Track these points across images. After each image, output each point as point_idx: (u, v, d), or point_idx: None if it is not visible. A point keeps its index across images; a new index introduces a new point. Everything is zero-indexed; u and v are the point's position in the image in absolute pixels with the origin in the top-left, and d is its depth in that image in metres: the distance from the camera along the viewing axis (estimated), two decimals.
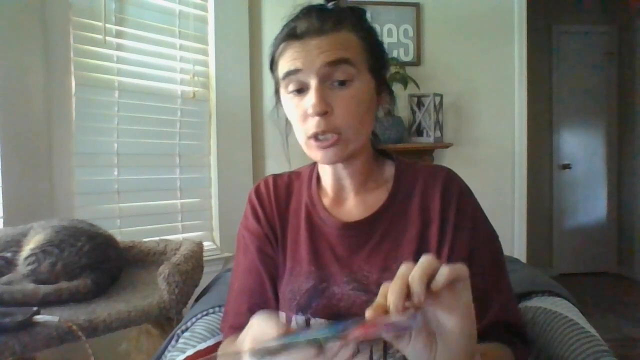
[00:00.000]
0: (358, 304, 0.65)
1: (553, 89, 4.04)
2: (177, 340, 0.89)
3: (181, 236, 1.86)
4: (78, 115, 1.56)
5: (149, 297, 1.05)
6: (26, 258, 1.04)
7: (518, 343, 0.64)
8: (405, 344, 0.46)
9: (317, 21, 0.64)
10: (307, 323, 0.68)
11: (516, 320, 0.66)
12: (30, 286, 1.00)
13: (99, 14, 1.62)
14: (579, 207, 4.10)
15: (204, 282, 1.20)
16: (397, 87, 2.23)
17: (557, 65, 4.03)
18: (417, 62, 2.42)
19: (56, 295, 0.99)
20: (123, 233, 1.64)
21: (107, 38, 1.65)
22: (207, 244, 1.88)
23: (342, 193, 0.74)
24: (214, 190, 2.02)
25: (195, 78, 1.94)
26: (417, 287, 0.42)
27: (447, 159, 2.42)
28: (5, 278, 1.03)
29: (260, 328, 0.46)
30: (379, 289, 0.66)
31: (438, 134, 2.32)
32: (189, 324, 0.93)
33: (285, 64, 0.65)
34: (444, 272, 0.43)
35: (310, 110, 0.63)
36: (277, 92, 0.71)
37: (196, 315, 0.94)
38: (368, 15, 0.72)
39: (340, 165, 0.71)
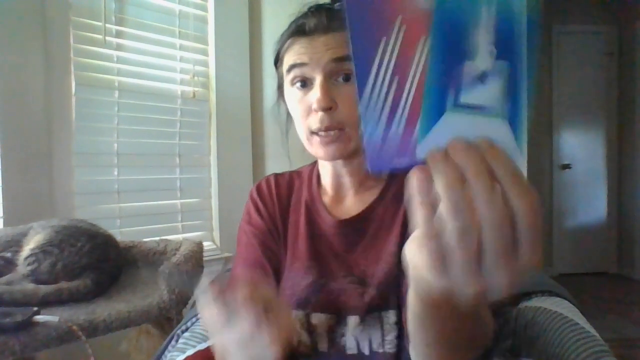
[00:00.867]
0: (355, 297, 0.66)
1: (553, 89, 4.05)
2: (177, 340, 0.89)
3: (181, 236, 1.86)
4: (78, 115, 1.56)
5: (149, 297, 1.05)
6: (26, 258, 1.04)
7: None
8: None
9: (326, 19, 0.66)
10: (307, 318, 0.68)
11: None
12: (30, 286, 1.00)
13: (99, 14, 1.62)
14: (579, 207, 4.10)
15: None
16: None
17: (557, 65, 4.03)
18: None
19: (56, 295, 0.99)
20: (123, 233, 1.64)
21: (107, 38, 1.65)
22: (207, 244, 1.88)
23: (342, 191, 0.74)
24: (214, 190, 2.02)
25: (195, 78, 1.94)
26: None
27: None
28: (5, 278, 1.03)
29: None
30: (376, 282, 0.66)
31: None
32: (189, 324, 0.92)
33: (291, 58, 0.67)
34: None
35: (315, 105, 0.64)
36: (279, 87, 0.72)
37: (196, 315, 0.94)
38: None
39: (340, 163, 0.71)
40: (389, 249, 0.67)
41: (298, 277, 0.70)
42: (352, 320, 0.66)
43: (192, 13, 1.94)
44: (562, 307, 0.86)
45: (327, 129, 0.64)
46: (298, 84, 0.66)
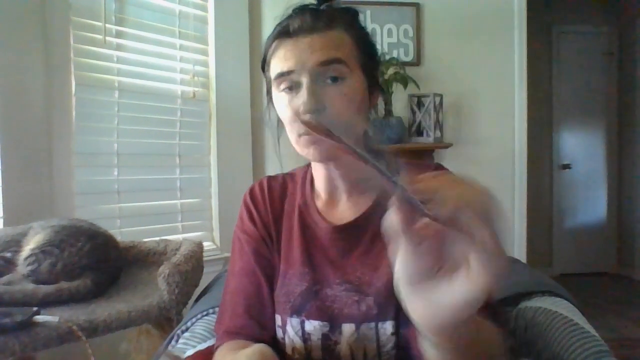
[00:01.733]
0: (351, 305, 0.66)
1: (553, 89, 4.04)
2: (177, 341, 0.89)
3: (181, 236, 1.86)
4: (78, 115, 1.56)
5: (149, 298, 1.05)
6: (26, 258, 1.04)
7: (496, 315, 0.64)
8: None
9: (310, 19, 0.64)
10: (302, 325, 0.68)
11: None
12: (30, 286, 1.00)
13: (99, 14, 1.62)
14: (579, 207, 4.10)
15: (204, 282, 1.20)
16: (397, 87, 2.23)
17: (557, 65, 4.03)
18: (417, 62, 2.42)
19: (56, 295, 0.99)
20: (123, 233, 1.64)
21: (107, 38, 1.65)
22: (207, 244, 1.88)
23: (335, 194, 0.73)
24: (214, 190, 2.02)
25: (195, 78, 1.94)
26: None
27: (447, 159, 2.42)
28: (5, 278, 1.03)
29: None
30: (374, 291, 0.65)
31: (438, 134, 2.32)
32: (189, 324, 0.93)
33: (277, 65, 0.65)
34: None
35: (302, 108, 0.63)
36: (268, 92, 0.71)
37: (196, 315, 0.94)
38: (364, 16, 0.73)
39: (332, 165, 0.70)
40: (387, 259, 0.66)
41: (292, 283, 0.69)
42: (347, 328, 0.65)
43: (192, 13, 1.94)
44: (562, 307, 0.86)
45: None
46: (286, 89, 0.65)
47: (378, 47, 0.74)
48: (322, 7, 0.67)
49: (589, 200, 4.10)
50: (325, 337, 0.66)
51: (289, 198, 0.76)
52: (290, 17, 0.67)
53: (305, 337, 0.67)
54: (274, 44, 0.67)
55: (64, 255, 1.04)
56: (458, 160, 2.41)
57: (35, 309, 0.88)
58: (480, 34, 2.48)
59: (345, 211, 0.72)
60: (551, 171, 4.08)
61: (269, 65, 0.68)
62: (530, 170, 2.60)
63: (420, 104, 2.32)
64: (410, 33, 2.40)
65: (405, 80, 2.22)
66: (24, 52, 1.42)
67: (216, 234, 2.02)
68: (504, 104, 2.52)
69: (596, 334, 0.76)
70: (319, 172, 0.73)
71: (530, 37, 2.57)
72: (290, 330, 0.68)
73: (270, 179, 0.79)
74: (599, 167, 4.11)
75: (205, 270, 1.26)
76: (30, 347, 0.82)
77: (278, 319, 0.70)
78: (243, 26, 2.11)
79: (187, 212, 1.92)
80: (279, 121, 0.71)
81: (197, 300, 1.08)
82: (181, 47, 1.90)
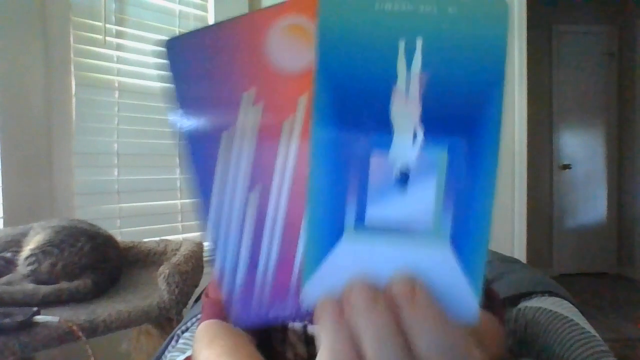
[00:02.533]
0: None
1: (553, 89, 4.04)
2: (177, 341, 0.89)
3: (181, 236, 1.86)
4: (78, 115, 1.56)
5: (149, 298, 1.05)
6: (26, 258, 1.04)
7: (496, 307, 0.64)
8: None
9: None
10: (304, 329, 0.67)
11: (487, 287, 0.67)
12: (30, 286, 1.00)
13: (99, 14, 1.62)
14: (579, 207, 4.10)
15: (204, 282, 1.20)
16: None
17: (557, 65, 4.03)
18: None
19: (56, 295, 0.99)
20: (123, 233, 1.64)
21: (107, 38, 1.64)
22: (207, 244, 1.88)
23: None
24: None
25: None
26: None
27: None
28: (5, 278, 1.03)
29: None
30: None
31: None
32: (189, 324, 0.92)
33: None
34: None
35: None
36: None
37: (196, 315, 0.94)
38: None
39: None
40: None
41: None
42: None
43: (192, 13, 1.94)
44: (562, 307, 0.86)
45: None
46: None
47: None
48: None
49: (589, 200, 4.10)
50: None
51: None
52: None
53: (308, 341, 0.67)
54: None
55: (64, 255, 1.04)
56: None
57: (35, 309, 0.88)
58: None
59: None
60: (551, 171, 4.08)
61: None
62: (530, 170, 2.59)
63: None
64: None
65: None
66: (24, 52, 1.42)
67: None
68: (503, 103, 2.51)
69: (596, 334, 0.76)
70: None
71: (530, 37, 2.57)
72: (292, 335, 0.68)
73: None
74: (599, 167, 4.11)
75: (205, 270, 1.26)
76: (30, 347, 0.82)
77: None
78: None
79: (187, 212, 1.92)
80: None
81: (197, 300, 1.08)
82: None
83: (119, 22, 1.70)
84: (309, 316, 0.22)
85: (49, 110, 1.48)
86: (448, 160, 0.20)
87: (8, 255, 1.07)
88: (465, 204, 0.20)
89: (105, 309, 0.96)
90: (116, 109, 1.69)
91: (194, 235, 1.93)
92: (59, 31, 1.50)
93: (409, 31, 0.19)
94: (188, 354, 0.81)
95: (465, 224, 0.20)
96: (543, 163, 4.03)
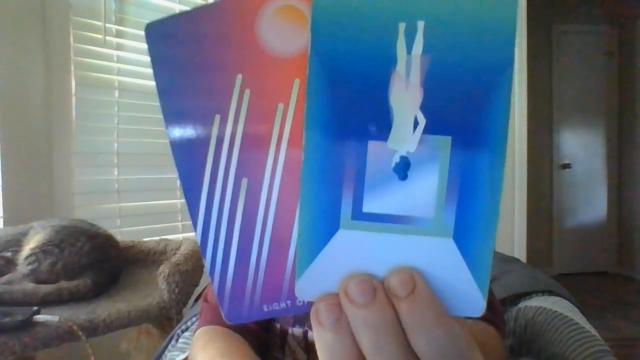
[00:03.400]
0: None
1: (553, 89, 4.05)
2: (177, 340, 0.89)
3: (181, 236, 1.86)
4: (78, 115, 1.56)
5: (149, 297, 1.05)
6: (26, 258, 1.04)
7: (499, 323, 0.64)
8: None
9: None
10: (305, 336, 0.67)
11: (492, 298, 0.66)
12: (30, 286, 1.00)
13: (99, 14, 1.62)
14: (579, 207, 4.10)
15: (204, 282, 1.20)
16: None
17: (557, 65, 4.03)
18: None
19: (56, 295, 0.99)
20: (123, 233, 1.64)
21: (107, 38, 1.65)
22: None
23: None
24: None
25: None
26: None
27: None
28: (5, 278, 1.03)
29: None
30: None
31: None
32: (189, 323, 0.92)
33: None
34: None
35: None
36: None
37: (196, 314, 0.94)
38: None
39: None
40: None
41: None
42: None
43: None
44: (562, 306, 0.86)
45: None
46: None
47: None
48: None
49: (589, 200, 4.10)
50: None
51: None
52: None
53: (308, 348, 0.66)
54: None
55: (64, 254, 1.04)
56: None
57: (35, 308, 0.88)
58: None
59: None
60: (551, 171, 4.09)
61: None
62: (530, 169, 2.60)
63: None
64: None
65: None
66: (24, 52, 1.42)
67: None
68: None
69: (596, 334, 0.76)
70: None
71: (530, 37, 2.57)
72: (291, 340, 0.67)
73: None
74: (599, 167, 4.11)
75: (205, 270, 1.26)
76: (30, 346, 0.82)
77: (276, 329, 0.68)
78: None
79: (187, 212, 1.91)
80: None
81: (197, 299, 1.08)
82: None
83: (119, 21, 1.70)
84: (303, 310, 0.21)
85: (49, 110, 1.48)
86: (451, 149, 0.19)
87: (8, 254, 1.07)
88: (470, 194, 0.19)
89: (105, 309, 0.96)
90: (116, 108, 1.69)
91: (194, 235, 1.93)
92: (59, 31, 1.50)
93: (410, 10, 0.18)
94: (188, 353, 0.81)
95: (469, 215, 0.19)
96: (543, 162, 4.03)
